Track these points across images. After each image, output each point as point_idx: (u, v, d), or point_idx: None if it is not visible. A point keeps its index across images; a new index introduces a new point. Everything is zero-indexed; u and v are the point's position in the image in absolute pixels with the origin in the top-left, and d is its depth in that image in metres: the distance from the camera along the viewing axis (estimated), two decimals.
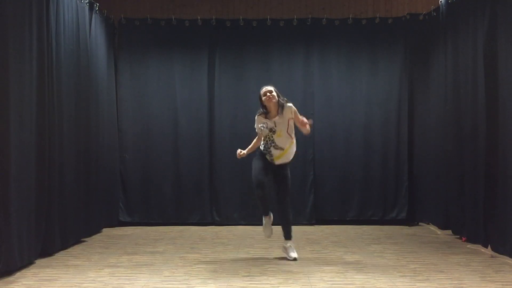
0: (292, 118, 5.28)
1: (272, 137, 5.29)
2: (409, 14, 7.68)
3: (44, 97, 5.32)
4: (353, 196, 7.69)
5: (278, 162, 5.34)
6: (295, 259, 5.26)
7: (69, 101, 5.99)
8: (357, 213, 7.66)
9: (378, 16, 7.74)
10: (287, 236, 5.44)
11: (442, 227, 6.90)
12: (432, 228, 7.23)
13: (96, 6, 6.86)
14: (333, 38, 7.74)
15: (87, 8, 6.58)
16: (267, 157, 5.36)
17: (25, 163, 4.98)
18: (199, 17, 7.75)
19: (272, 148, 5.30)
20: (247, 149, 5.55)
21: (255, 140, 5.55)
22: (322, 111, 7.73)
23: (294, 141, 5.40)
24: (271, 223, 5.55)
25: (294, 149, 5.42)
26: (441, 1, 6.84)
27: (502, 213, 5.33)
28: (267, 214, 5.49)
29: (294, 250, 5.36)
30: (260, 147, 5.45)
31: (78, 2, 6.28)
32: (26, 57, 5.02)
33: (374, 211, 7.66)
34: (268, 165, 5.35)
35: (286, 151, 5.32)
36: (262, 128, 5.31)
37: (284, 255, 5.40)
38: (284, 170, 5.39)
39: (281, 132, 5.27)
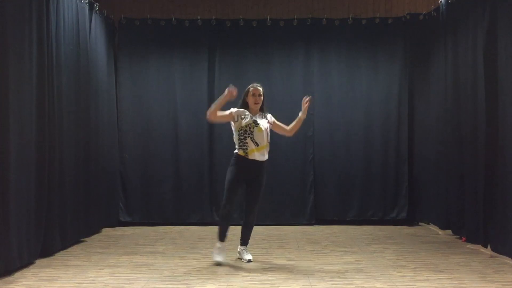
0: (271, 124, 5.36)
1: (253, 128, 5.19)
2: (409, 14, 7.68)
3: (44, 97, 5.32)
4: (353, 196, 7.68)
5: (251, 157, 5.19)
6: (249, 260, 5.25)
7: (69, 101, 5.99)
8: (357, 213, 7.66)
9: (378, 16, 7.74)
10: (245, 242, 5.44)
11: (442, 227, 6.90)
12: (433, 228, 7.22)
13: (96, 6, 6.85)
14: (333, 38, 7.74)
15: (87, 8, 6.57)
16: (241, 152, 5.20)
17: (25, 163, 4.98)
18: (199, 17, 7.75)
19: (249, 140, 5.18)
20: (216, 104, 5.22)
21: (219, 111, 5.23)
22: (322, 111, 7.73)
23: (269, 146, 5.34)
24: (224, 249, 5.35)
25: (267, 153, 5.32)
26: (441, 1, 6.84)
27: (502, 213, 5.33)
28: (223, 240, 5.30)
29: (249, 253, 5.37)
30: (236, 144, 5.29)
31: (78, 2, 6.28)
32: (26, 57, 5.02)
33: (374, 211, 7.66)
34: (242, 176, 5.22)
35: (261, 148, 5.22)
36: (245, 116, 5.22)
37: (240, 257, 5.38)
38: (260, 176, 5.28)
39: (262, 129, 5.21)
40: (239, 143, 5.24)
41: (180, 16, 7.81)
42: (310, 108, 7.58)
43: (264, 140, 5.24)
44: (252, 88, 5.35)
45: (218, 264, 5.15)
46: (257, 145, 5.21)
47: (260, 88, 5.36)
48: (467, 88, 6.11)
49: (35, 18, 5.18)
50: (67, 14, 5.97)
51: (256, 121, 5.23)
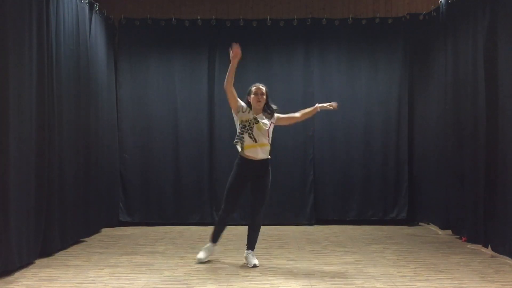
0: (273, 123, 5.24)
1: (252, 124, 5.11)
2: (409, 14, 7.68)
3: (44, 97, 5.32)
4: (353, 196, 7.69)
5: (248, 153, 5.11)
6: (255, 265, 5.04)
7: (69, 101, 5.99)
8: (357, 213, 7.66)
9: (378, 16, 7.74)
10: (252, 247, 5.22)
11: (442, 227, 6.90)
12: (433, 228, 7.23)
13: (96, 6, 6.85)
14: (333, 38, 7.74)
15: (87, 8, 6.57)
16: (238, 146, 5.15)
17: (25, 163, 4.98)
18: (199, 17, 7.75)
19: (246, 135, 5.10)
20: (229, 73, 5.19)
21: (232, 89, 5.22)
22: (322, 111, 7.66)
23: (269, 147, 5.21)
24: (212, 250, 5.36)
25: (267, 153, 5.19)
26: (441, 1, 6.84)
27: (502, 213, 5.33)
28: (214, 242, 5.33)
29: (255, 257, 5.15)
30: (237, 136, 5.18)
31: (78, 2, 6.27)
32: (26, 57, 5.01)
33: (374, 211, 7.66)
34: (244, 176, 5.15)
35: (258, 146, 5.10)
36: (247, 111, 5.16)
37: (246, 262, 5.17)
38: (263, 176, 5.17)
39: (262, 127, 5.12)
40: (236, 137, 5.16)
41: (180, 16, 7.81)
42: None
43: (263, 139, 5.12)
44: (254, 88, 5.26)
45: (199, 261, 5.15)
46: (255, 141, 5.10)
47: (263, 88, 5.26)
48: (467, 88, 6.11)
49: (35, 18, 5.18)
50: (67, 14, 5.97)
51: (256, 118, 5.14)
